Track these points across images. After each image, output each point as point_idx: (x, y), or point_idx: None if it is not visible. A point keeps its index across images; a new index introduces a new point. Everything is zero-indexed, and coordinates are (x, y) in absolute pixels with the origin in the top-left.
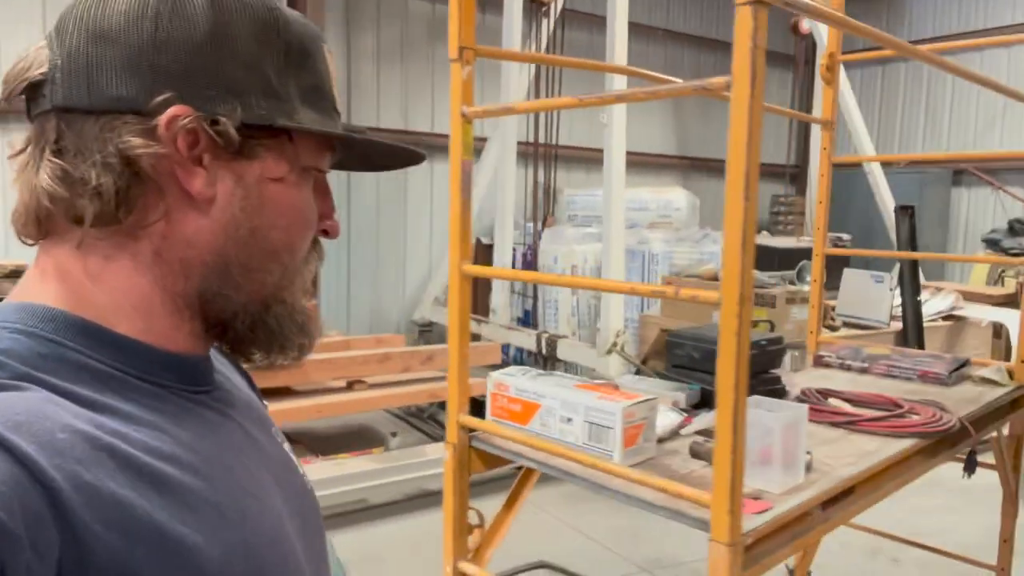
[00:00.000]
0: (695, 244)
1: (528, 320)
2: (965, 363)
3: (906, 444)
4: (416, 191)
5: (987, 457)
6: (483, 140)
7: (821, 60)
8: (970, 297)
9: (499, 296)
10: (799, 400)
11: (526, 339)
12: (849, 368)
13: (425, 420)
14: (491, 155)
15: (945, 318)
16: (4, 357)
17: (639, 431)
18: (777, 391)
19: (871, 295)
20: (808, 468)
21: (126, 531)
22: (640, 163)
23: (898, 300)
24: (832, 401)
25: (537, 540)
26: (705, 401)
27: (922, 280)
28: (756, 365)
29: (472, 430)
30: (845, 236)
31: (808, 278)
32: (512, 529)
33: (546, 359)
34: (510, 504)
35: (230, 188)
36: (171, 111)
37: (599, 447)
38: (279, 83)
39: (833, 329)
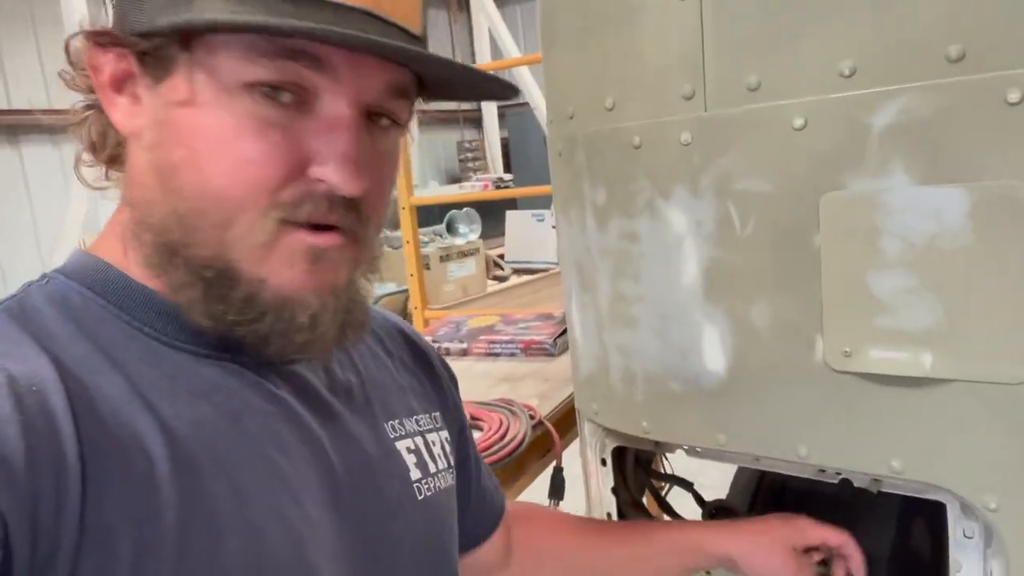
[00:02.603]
0: None
1: None
2: None
3: None
4: None
5: None
6: None
7: None
8: None
9: None
10: None
11: None
12: (448, 352)
13: None
14: None
15: None
16: (35, 313)
17: None
18: None
19: (536, 236)
20: None
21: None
22: None
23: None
24: None
25: None
26: None
27: None
28: None
29: None
30: (507, 176)
31: (461, 229)
32: None
33: None
34: None
35: (150, 119)
36: (91, 30)
37: None
38: None
39: (502, 280)
